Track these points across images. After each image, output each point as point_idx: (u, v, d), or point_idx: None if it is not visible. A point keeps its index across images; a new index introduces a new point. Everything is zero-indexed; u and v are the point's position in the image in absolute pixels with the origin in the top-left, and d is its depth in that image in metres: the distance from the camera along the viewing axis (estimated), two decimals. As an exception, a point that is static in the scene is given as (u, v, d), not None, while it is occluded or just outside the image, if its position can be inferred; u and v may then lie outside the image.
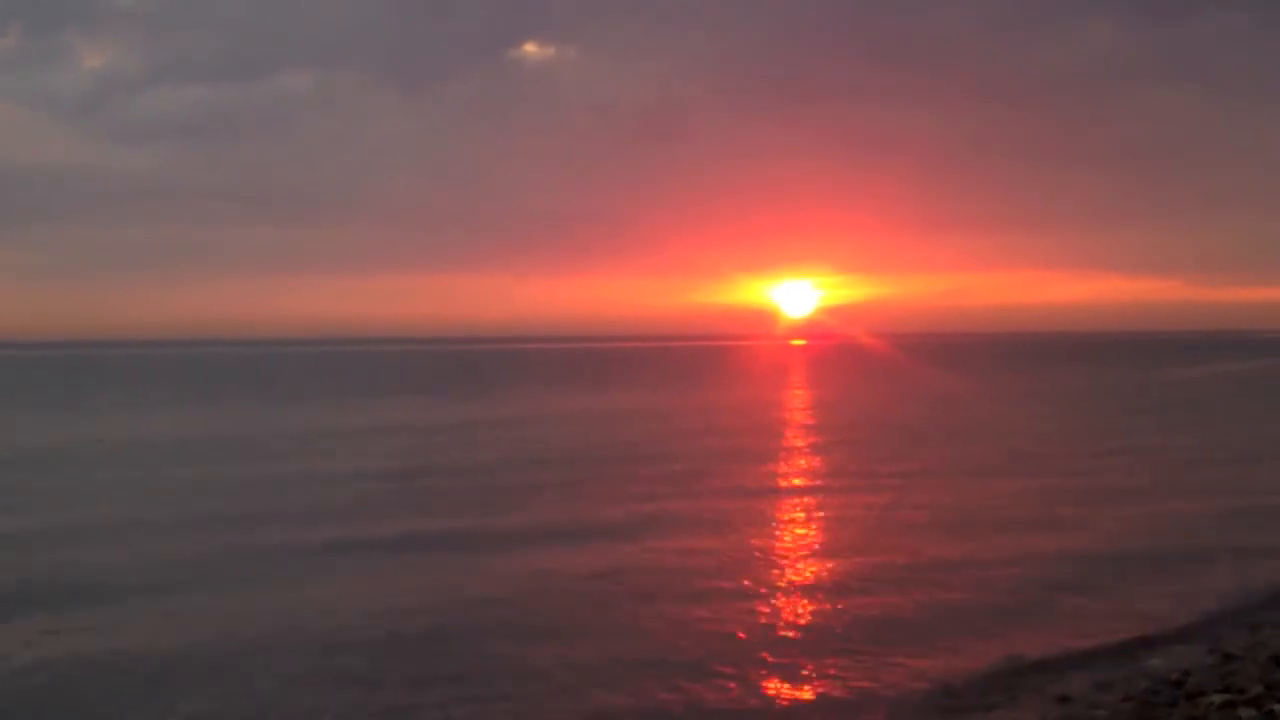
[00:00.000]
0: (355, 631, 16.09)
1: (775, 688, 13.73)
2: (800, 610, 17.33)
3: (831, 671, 14.23)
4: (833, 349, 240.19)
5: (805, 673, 14.20)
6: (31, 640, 15.71)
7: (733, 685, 13.81)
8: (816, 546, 22.35)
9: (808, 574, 19.86)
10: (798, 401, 70.60)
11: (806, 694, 13.51)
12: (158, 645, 15.48)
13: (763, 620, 16.71)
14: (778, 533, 23.77)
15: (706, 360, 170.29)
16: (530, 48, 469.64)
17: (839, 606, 17.43)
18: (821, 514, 26.27)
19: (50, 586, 18.91)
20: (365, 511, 26.56)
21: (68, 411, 66.16)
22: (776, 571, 19.97)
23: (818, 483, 31.32)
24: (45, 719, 13.04)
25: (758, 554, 21.29)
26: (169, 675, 14.26)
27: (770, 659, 14.79)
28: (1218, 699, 12.71)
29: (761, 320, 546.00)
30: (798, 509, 27.05)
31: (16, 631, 16.28)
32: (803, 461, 36.60)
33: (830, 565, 20.46)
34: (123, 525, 24.90)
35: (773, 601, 17.85)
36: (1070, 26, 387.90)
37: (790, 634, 15.99)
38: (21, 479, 33.47)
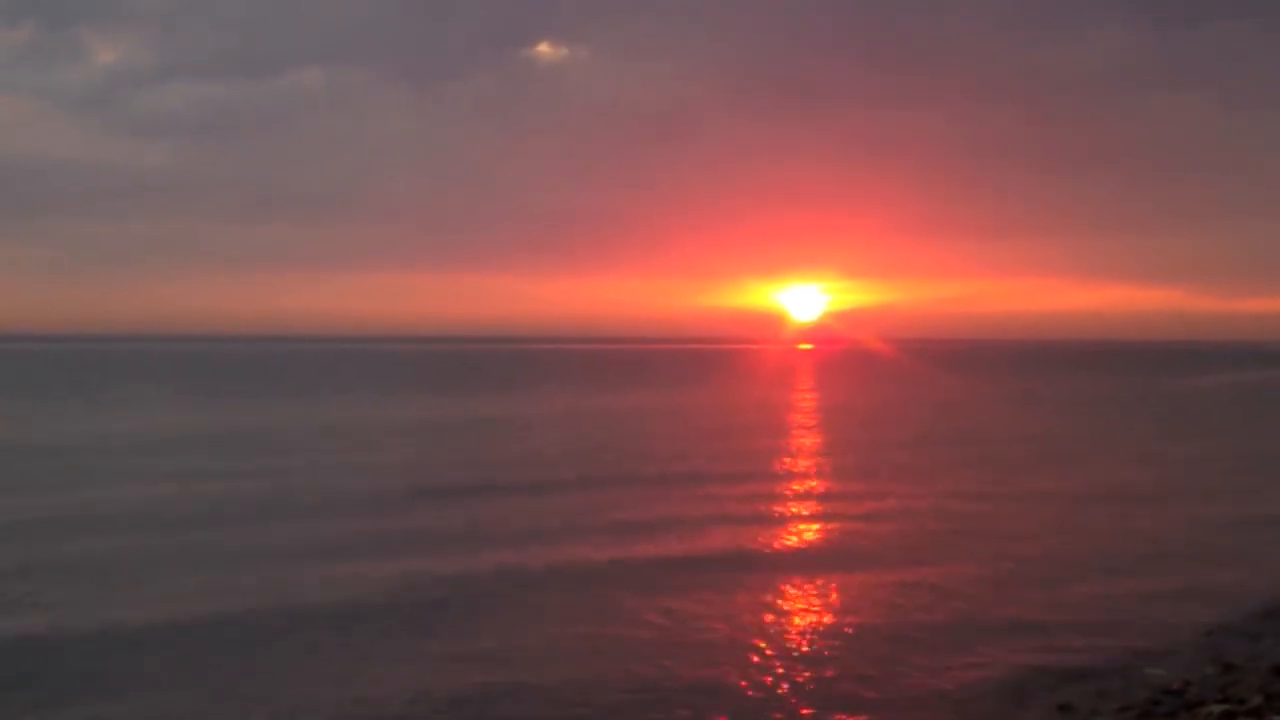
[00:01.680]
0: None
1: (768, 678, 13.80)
2: (808, 626, 17.36)
3: (841, 677, 14.32)
4: (840, 354, 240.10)
5: (816, 678, 14.30)
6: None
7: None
8: (837, 556, 22.37)
9: (821, 587, 19.88)
10: (827, 410, 70.26)
11: (817, 693, 13.59)
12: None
13: (753, 643, 16.65)
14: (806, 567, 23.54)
15: (713, 364, 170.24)
16: (543, 48, 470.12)
17: (850, 616, 17.53)
18: (833, 525, 26.26)
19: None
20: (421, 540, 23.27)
21: (72, 406, 66.22)
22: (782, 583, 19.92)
23: (841, 507, 29.15)
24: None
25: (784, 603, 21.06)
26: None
27: (767, 657, 14.86)
28: (1217, 709, 12.75)
29: (768, 324, 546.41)
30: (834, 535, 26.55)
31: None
32: (837, 479, 34.57)
33: (858, 576, 20.49)
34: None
35: (773, 616, 17.77)
36: (1080, 32, 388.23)
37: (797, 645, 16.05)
38: (27, 474, 33.54)
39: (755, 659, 15.02)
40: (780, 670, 14.55)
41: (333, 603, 17.69)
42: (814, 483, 32.45)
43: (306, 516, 25.71)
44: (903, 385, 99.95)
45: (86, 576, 19.22)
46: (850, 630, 16.44)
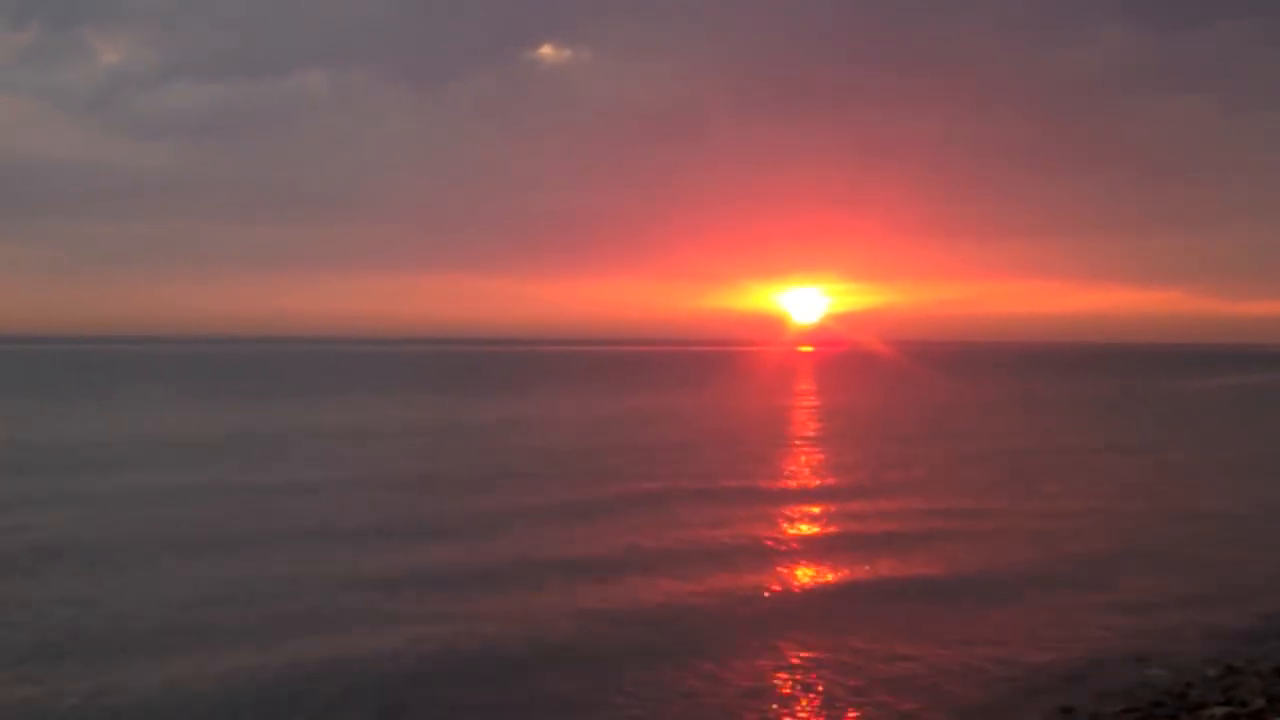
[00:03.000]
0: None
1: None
2: (797, 585, 17.39)
3: (828, 658, 14.37)
4: (841, 356, 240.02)
5: (793, 660, 14.35)
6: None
7: None
8: (826, 545, 22.41)
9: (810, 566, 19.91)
10: (834, 415, 70.05)
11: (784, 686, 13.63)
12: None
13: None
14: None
15: (715, 366, 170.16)
16: (546, 49, 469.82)
17: (843, 614, 17.61)
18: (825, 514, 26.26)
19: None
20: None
21: (77, 408, 66.26)
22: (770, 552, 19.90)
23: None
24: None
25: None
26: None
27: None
28: (1220, 711, 12.79)
29: (769, 326, 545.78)
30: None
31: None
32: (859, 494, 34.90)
33: (853, 561, 20.52)
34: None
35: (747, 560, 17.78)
36: (1081, 34, 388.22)
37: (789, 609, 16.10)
38: (36, 479, 33.53)
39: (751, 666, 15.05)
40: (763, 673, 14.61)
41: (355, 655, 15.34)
42: (821, 495, 32.41)
43: (327, 540, 23.68)
44: (904, 389, 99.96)
45: (101, 615, 17.03)
46: (841, 629, 16.52)
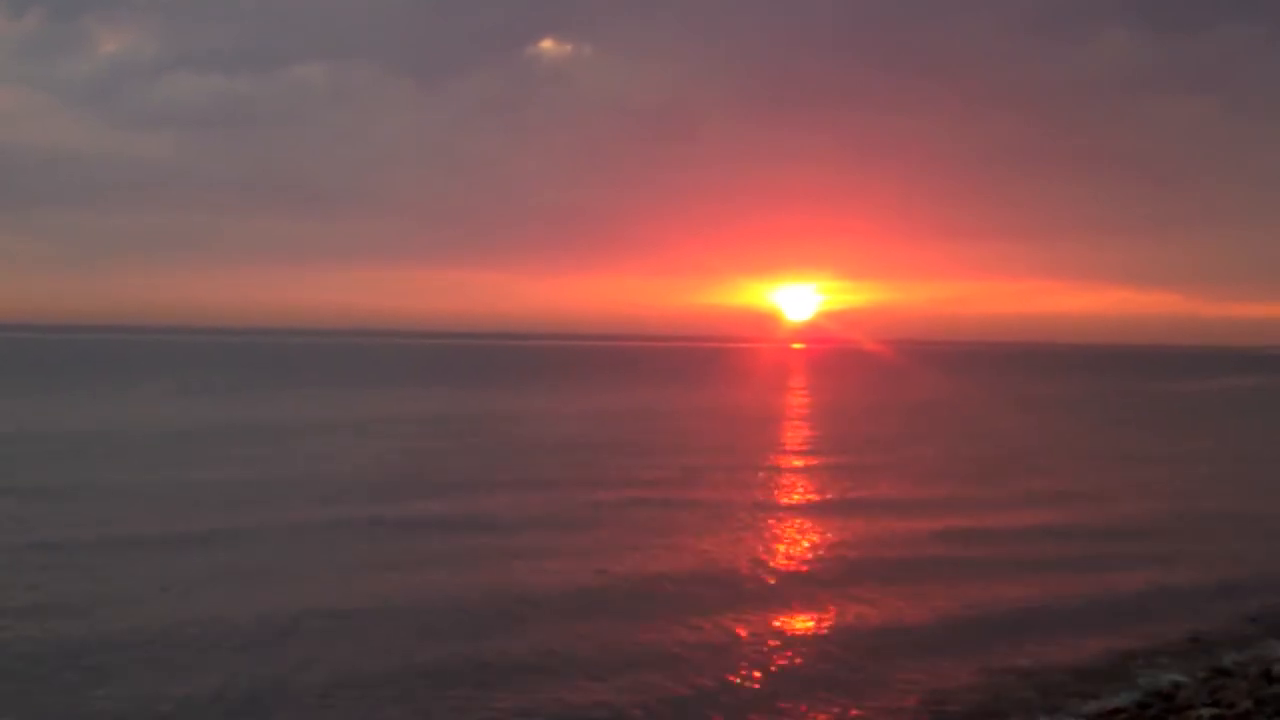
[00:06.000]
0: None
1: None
2: (786, 629, 17.50)
3: (818, 683, 14.46)
4: (833, 353, 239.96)
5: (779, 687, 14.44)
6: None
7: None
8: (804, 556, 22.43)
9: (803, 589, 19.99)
10: (829, 415, 70.07)
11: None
12: None
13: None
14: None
15: (709, 362, 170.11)
16: (547, 45, 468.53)
17: (828, 616, 17.70)
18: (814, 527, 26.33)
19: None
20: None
21: (76, 396, 66.07)
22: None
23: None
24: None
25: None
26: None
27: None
28: (1207, 713, 12.88)
29: (762, 323, 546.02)
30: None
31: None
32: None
33: (832, 570, 20.65)
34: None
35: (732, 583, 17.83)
36: (1079, 37, 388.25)
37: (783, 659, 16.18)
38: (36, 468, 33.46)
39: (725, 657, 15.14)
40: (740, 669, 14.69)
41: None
42: (812, 498, 32.48)
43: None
44: (896, 387, 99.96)
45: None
46: (825, 633, 16.65)
